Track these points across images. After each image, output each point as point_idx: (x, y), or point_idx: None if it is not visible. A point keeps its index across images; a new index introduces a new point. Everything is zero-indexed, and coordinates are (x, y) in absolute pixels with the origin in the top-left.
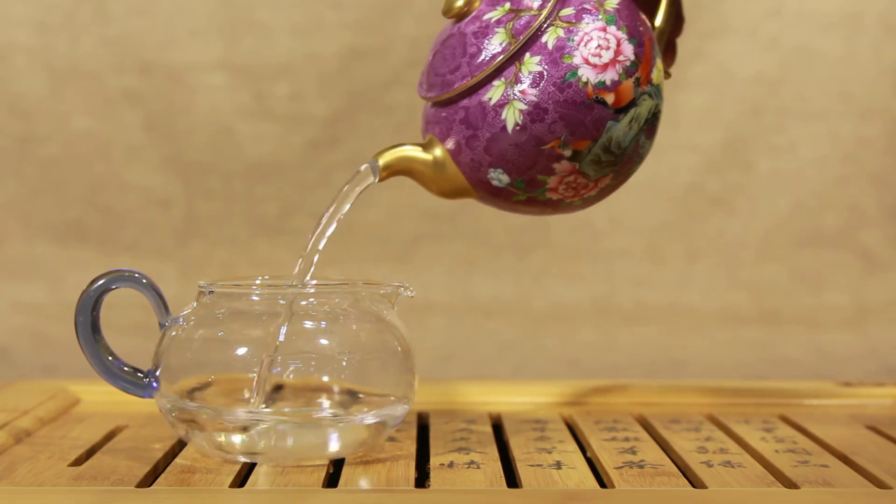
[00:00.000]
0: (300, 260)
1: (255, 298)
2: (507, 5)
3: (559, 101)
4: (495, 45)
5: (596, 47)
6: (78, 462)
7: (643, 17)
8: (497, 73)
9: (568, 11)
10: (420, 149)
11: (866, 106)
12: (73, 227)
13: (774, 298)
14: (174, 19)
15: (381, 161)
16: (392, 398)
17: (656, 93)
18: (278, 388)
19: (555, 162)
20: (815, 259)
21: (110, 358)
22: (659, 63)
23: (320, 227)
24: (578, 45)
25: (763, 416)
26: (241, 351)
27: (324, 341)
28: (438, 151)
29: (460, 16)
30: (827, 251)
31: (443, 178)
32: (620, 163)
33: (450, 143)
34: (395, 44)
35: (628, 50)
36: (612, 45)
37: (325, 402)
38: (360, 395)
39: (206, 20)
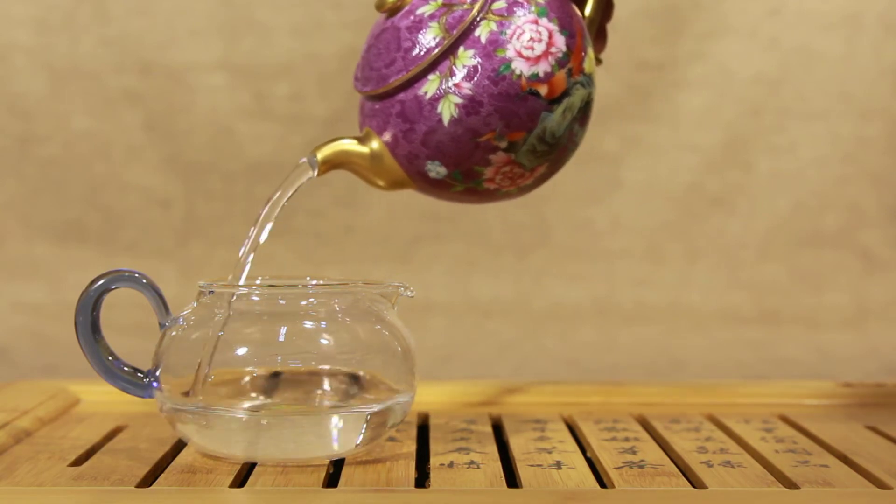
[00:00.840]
0: (240, 254)
1: (256, 298)
2: (440, 0)
3: (494, 94)
4: (429, 39)
5: (528, 40)
6: (78, 462)
7: (573, 7)
8: (432, 67)
9: (500, 4)
10: (357, 142)
11: (866, 106)
12: (73, 227)
13: (774, 298)
14: (174, 19)
15: (320, 155)
16: (392, 398)
17: (588, 82)
18: (277, 375)
19: (491, 153)
20: (815, 259)
21: (110, 358)
22: (590, 52)
23: (259, 222)
24: (511, 38)
25: (763, 416)
26: (242, 351)
27: (324, 341)
28: (375, 144)
29: (393, 10)
30: (827, 251)
31: (381, 171)
32: (555, 152)
33: (387, 136)
34: None
35: (560, 41)
36: (544, 37)
37: (325, 401)
38: (360, 395)
39: (206, 20)
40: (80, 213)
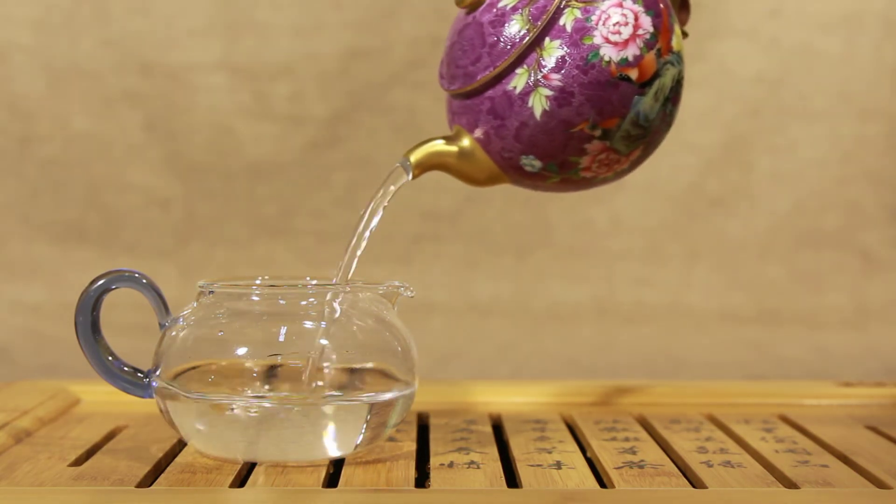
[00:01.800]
0: (341, 264)
1: (255, 298)
2: None
3: (584, 83)
4: (514, 32)
5: (614, 24)
6: (78, 462)
7: None
8: (519, 61)
9: None
10: (449, 141)
11: (866, 106)
12: (73, 227)
13: (774, 298)
14: (174, 19)
15: (413, 158)
16: (392, 397)
17: (678, 60)
18: (277, 374)
19: (586, 143)
20: (815, 259)
21: (110, 358)
22: (677, 29)
23: (360, 229)
24: (597, 24)
25: (763, 416)
26: (241, 351)
27: (324, 341)
28: (466, 142)
29: (474, 5)
30: (827, 251)
31: (474, 168)
32: (650, 134)
33: (478, 134)
34: (395, 44)
35: (646, 22)
36: (630, 20)
37: (326, 397)
38: (360, 395)
39: (206, 20)
40: (80, 213)
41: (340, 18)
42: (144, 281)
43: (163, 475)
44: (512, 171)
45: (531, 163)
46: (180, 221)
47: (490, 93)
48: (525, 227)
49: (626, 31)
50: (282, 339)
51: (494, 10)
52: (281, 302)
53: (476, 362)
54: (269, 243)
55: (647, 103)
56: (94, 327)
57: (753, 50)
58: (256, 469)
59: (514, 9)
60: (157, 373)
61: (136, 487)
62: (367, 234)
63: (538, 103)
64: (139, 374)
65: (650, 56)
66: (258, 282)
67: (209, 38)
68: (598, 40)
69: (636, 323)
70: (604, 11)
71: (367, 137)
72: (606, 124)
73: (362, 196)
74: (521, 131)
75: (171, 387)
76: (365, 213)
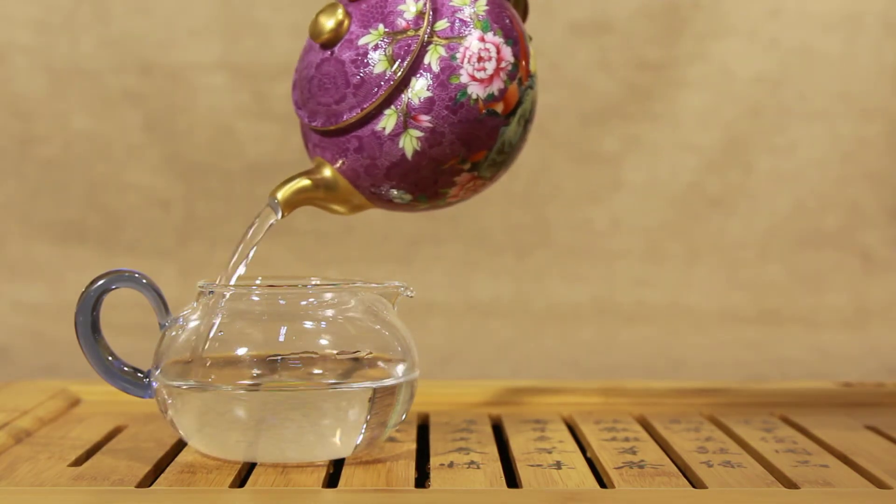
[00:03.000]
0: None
1: (255, 298)
2: (381, 27)
3: (454, 123)
4: (379, 73)
5: (478, 61)
6: (78, 462)
7: (508, 7)
8: (387, 102)
9: (443, 25)
10: (312, 175)
11: (866, 106)
12: (73, 227)
13: (774, 298)
14: (174, 19)
15: (280, 197)
16: (391, 398)
17: (534, 82)
18: (276, 375)
19: (455, 175)
20: (815, 259)
21: (110, 358)
22: (531, 50)
23: (230, 266)
24: (462, 62)
25: (763, 416)
26: (241, 351)
27: (323, 341)
28: (328, 172)
29: (331, 41)
30: (827, 251)
31: (340, 199)
32: (512, 157)
33: (344, 168)
34: None
35: (507, 53)
36: (493, 53)
37: (326, 392)
38: (362, 383)
39: (206, 20)
40: (80, 213)
41: None
42: (144, 281)
43: (163, 475)
44: (381, 203)
45: (401, 196)
46: (180, 221)
47: (358, 132)
48: (525, 227)
49: (491, 67)
50: (282, 339)
51: (355, 48)
52: (281, 302)
53: (476, 362)
54: (269, 243)
55: (511, 131)
56: (94, 327)
57: (753, 50)
58: (256, 469)
59: (376, 47)
60: (157, 373)
61: (136, 487)
62: (237, 272)
63: (409, 144)
64: (139, 374)
65: (513, 87)
66: (258, 282)
67: (209, 38)
68: (464, 79)
69: (636, 323)
70: (467, 48)
71: None
72: (475, 158)
73: None
74: (391, 170)
75: (171, 387)
76: (234, 254)
